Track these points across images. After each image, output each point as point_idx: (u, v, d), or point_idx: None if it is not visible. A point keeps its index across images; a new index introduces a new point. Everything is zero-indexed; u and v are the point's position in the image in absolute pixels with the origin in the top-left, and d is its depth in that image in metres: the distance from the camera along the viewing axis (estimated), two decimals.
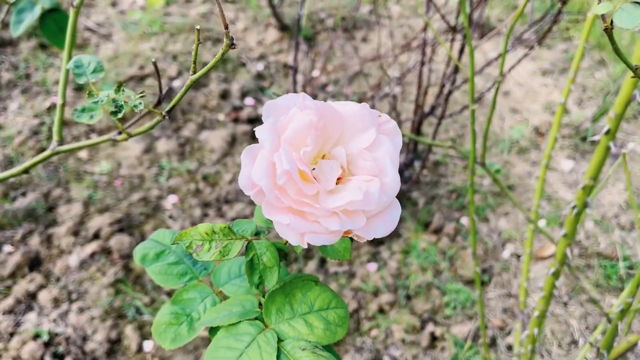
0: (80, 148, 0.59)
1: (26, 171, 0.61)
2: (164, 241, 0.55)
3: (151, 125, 0.54)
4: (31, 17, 0.96)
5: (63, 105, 0.64)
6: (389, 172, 0.38)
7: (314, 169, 0.39)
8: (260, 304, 0.46)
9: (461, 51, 1.41)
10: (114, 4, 2.49)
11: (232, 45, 0.43)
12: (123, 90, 0.49)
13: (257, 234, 0.45)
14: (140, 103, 0.48)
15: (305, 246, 0.38)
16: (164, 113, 0.53)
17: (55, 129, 0.63)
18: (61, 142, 0.64)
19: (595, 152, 0.80)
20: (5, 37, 2.15)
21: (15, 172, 0.61)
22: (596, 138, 0.79)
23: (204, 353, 0.40)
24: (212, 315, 0.44)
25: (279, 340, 0.41)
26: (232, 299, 0.46)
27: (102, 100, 0.48)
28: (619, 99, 0.74)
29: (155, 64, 0.54)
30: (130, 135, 0.58)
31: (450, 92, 1.51)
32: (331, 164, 0.39)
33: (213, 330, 0.44)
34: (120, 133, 0.59)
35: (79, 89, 1.99)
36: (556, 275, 0.96)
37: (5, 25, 2.09)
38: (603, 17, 0.42)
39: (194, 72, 0.48)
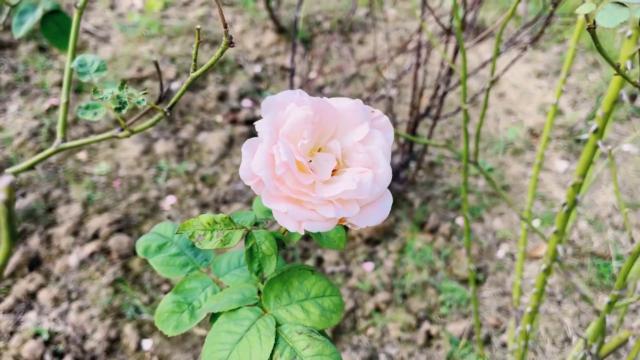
0: (83, 144, 0.61)
1: (32, 167, 0.63)
2: (166, 234, 0.57)
3: (153, 122, 0.56)
4: (32, 19, 0.98)
5: (67, 103, 0.65)
6: (381, 164, 0.41)
7: (310, 161, 0.41)
8: (259, 292, 0.48)
9: (456, 53, 1.44)
10: (112, 7, 2.51)
11: (231, 43, 0.45)
12: (127, 88, 0.51)
13: (256, 224, 0.47)
14: (143, 99, 0.50)
15: (302, 233, 0.40)
16: (165, 109, 0.55)
17: (59, 126, 0.65)
18: (65, 139, 0.66)
19: (583, 150, 0.82)
20: (4, 40, 2.16)
21: (21, 168, 0.62)
22: (585, 137, 0.81)
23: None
24: (213, 303, 0.46)
25: (277, 325, 0.43)
26: (232, 287, 0.48)
27: (107, 97, 0.50)
28: (607, 98, 0.76)
29: (156, 63, 0.56)
30: (132, 132, 0.60)
31: (445, 94, 1.53)
32: (327, 157, 0.41)
33: (214, 318, 0.45)
34: (122, 130, 0.61)
35: (79, 90, 2.01)
36: (548, 271, 0.98)
37: (6, 27, 2.11)
38: (587, 16, 0.44)
39: (194, 70, 0.50)
